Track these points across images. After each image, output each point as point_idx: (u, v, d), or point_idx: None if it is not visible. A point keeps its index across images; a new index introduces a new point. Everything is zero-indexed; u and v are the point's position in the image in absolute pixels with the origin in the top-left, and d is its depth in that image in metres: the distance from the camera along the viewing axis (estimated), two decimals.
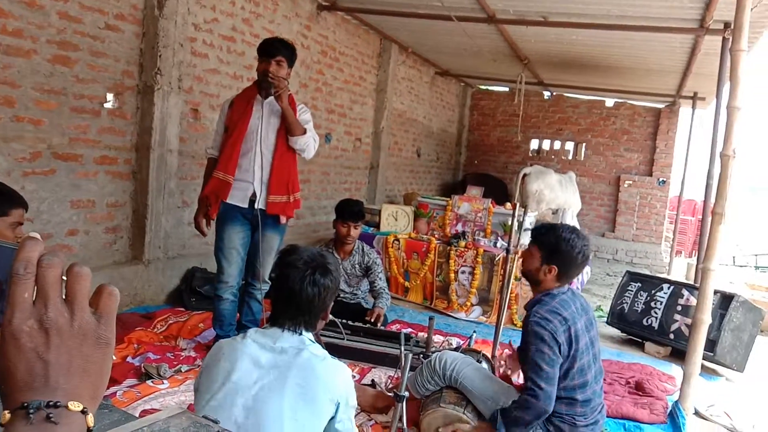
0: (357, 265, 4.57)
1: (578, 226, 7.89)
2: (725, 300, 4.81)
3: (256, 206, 3.64)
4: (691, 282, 6.06)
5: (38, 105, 3.89)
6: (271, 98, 3.58)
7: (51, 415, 0.55)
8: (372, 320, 4.27)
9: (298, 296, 1.88)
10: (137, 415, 1.63)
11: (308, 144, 3.70)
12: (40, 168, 3.97)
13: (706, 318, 3.58)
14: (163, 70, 4.60)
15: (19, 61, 3.72)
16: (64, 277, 0.59)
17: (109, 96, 4.39)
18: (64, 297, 0.59)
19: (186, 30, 4.82)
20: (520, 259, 2.96)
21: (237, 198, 3.64)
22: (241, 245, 3.73)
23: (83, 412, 0.57)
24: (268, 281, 3.67)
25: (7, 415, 0.55)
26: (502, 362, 3.36)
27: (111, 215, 4.57)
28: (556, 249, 2.72)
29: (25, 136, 3.84)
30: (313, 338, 1.95)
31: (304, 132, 3.66)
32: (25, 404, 0.55)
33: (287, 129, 3.62)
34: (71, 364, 0.58)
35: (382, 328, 4.28)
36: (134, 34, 4.52)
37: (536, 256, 2.78)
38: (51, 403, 0.55)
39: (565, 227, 2.80)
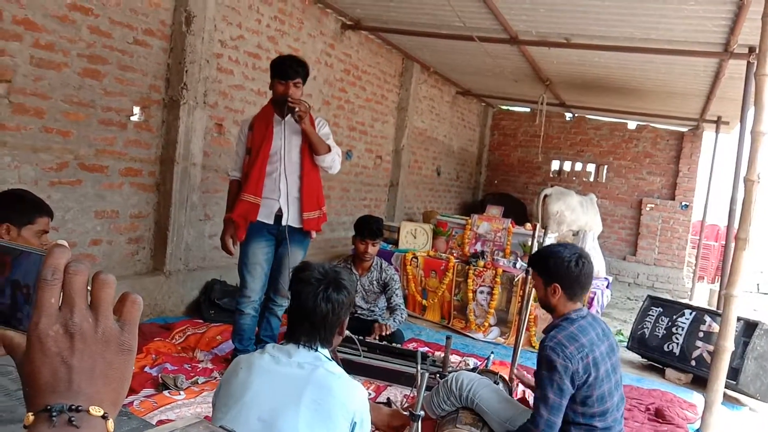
0: (375, 282, 4.57)
1: (598, 249, 7.82)
2: (749, 327, 4.71)
3: (283, 222, 3.69)
4: (714, 308, 5.96)
5: (67, 117, 3.97)
6: (289, 117, 3.62)
7: (73, 419, 0.56)
8: (376, 335, 4.22)
9: (312, 312, 1.88)
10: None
11: (334, 160, 3.76)
12: (67, 178, 4.04)
13: (729, 345, 3.51)
14: (189, 85, 4.68)
15: (50, 74, 3.81)
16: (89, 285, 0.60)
17: (136, 109, 4.47)
18: (89, 303, 0.60)
19: (212, 46, 4.91)
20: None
21: (263, 215, 3.69)
22: (265, 261, 3.77)
23: (104, 417, 0.58)
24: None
25: (31, 417, 0.56)
26: (516, 377, 3.34)
27: (134, 226, 4.63)
28: (546, 266, 2.70)
29: (53, 146, 3.92)
30: (329, 355, 1.95)
31: (329, 150, 3.71)
32: (48, 407, 0.56)
33: (312, 149, 3.67)
34: (94, 370, 0.59)
35: (399, 345, 4.26)
36: (162, 50, 4.61)
37: (538, 281, 2.76)
38: (73, 407, 0.56)
39: (551, 245, 2.78)
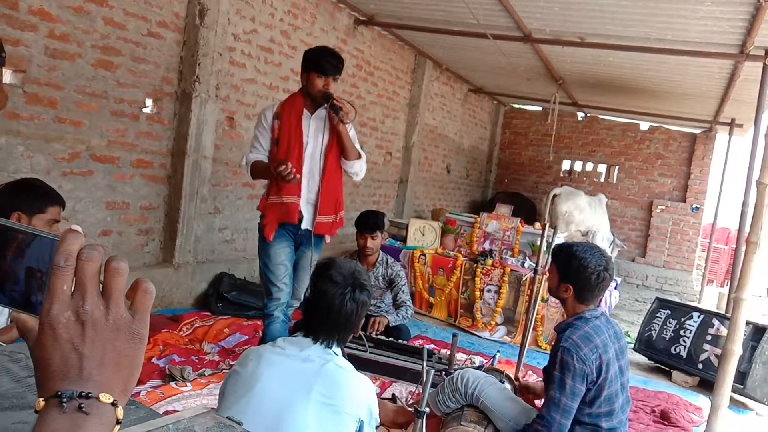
0: (381, 278, 4.58)
1: (608, 251, 7.74)
2: (758, 332, 4.68)
3: (303, 226, 3.48)
4: (723, 312, 5.92)
5: (79, 107, 3.99)
6: (319, 113, 3.43)
7: (83, 405, 0.56)
8: (370, 329, 4.21)
9: (337, 312, 1.90)
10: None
11: (362, 168, 3.55)
12: (78, 168, 4.07)
13: (737, 349, 3.49)
14: (202, 78, 4.69)
15: (64, 64, 3.83)
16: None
17: (148, 101, 4.49)
18: (100, 291, 0.60)
19: (226, 40, 4.92)
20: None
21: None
22: (287, 260, 3.52)
23: (113, 404, 0.58)
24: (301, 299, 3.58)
25: (42, 402, 0.57)
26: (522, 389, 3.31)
27: (144, 218, 4.65)
28: (568, 267, 2.66)
29: (66, 137, 3.95)
30: (339, 351, 1.96)
31: (359, 156, 3.51)
32: (59, 393, 0.56)
33: (343, 152, 3.45)
34: (104, 357, 0.59)
35: (405, 342, 4.27)
36: (175, 42, 4.63)
37: (554, 274, 2.74)
38: (83, 394, 0.57)
39: (582, 245, 2.73)
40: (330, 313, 1.90)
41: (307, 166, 3.42)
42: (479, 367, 3.58)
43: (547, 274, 2.85)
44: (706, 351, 4.89)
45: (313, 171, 3.44)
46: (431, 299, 6.09)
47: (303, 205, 3.45)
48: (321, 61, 3.39)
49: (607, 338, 2.60)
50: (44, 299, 0.58)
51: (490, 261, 5.90)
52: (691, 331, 5.07)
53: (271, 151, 3.43)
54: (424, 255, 6.13)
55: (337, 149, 3.45)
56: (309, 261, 3.53)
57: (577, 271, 2.62)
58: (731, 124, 9.07)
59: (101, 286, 0.60)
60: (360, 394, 1.85)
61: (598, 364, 2.51)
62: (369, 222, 4.45)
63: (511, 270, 5.74)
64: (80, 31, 3.89)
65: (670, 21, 5.20)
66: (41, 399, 0.57)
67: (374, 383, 3.79)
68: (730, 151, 9.25)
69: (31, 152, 3.74)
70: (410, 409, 3.24)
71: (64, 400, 0.56)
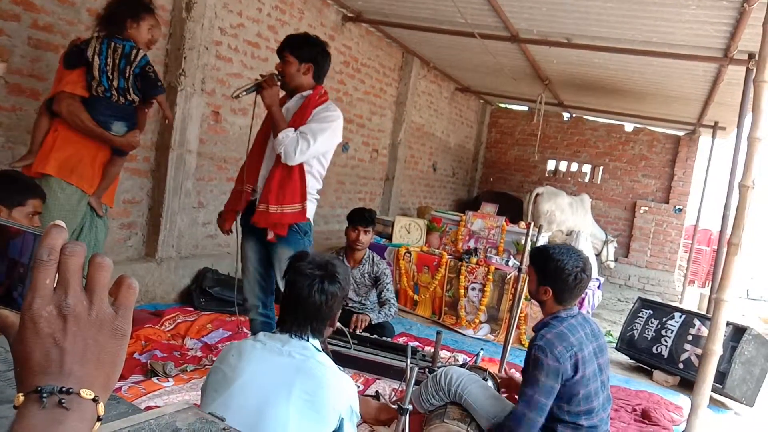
0: (366, 275, 4.58)
1: (591, 251, 7.79)
2: (737, 332, 4.75)
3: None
4: (704, 312, 5.99)
5: None
6: (294, 100, 3.28)
7: (63, 401, 0.55)
8: (353, 327, 4.21)
9: (305, 303, 1.91)
10: None
11: (283, 143, 3.00)
12: None
13: (717, 349, 3.53)
14: (187, 72, 4.65)
15: (48, 56, 3.78)
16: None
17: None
18: (84, 286, 0.59)
19: (212, 33, 4.88)
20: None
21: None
22: (257, 260, 3.27)
23: (95, 400, 0.58)
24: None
25: (21, 397, 0.56)
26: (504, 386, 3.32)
27: (127, 212, 4.61)
28: (545, 268, 2.69)
29: None
30: (320, 346, 1.96)
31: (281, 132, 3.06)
32: (39, 388, 0.56)
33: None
34: (86, 353, 0.58)
35: (389, 339, 4.27)
36: (161, 35, 4.58)
37: (533, 277, 2.77)
38: (64, 389, 0.56)
39: (558, 248, 2.74)
40: (299, 304, 1.91)
41: (267, 153, 3.20)
42: (463, 365, 3.59)
43: (527, 276, 2.87)
44: (687, 351, 4.95)
45: (270, 157, 3.18)
46: (416, 297, 6.10)
47: (259, 194, 3.18)
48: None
49: (582, 336, 2.62)
50: (26, 293, 0.58)
51: (474, 259, 5.92)
52: (672, 331, 5.12)
53: None
54: (410, 252, 6.14)
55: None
56: (281, 257, 3.10)
57: (554, 274, 2.65)
58: (714, 127, 9.17)
59: (84, 281, 0.59)
60: (341, 391, 1.85)
61: (573, 361, 2.54)
62: (365, 215, 4.48)
63: (496, 268, 5.77)
64: (64, 22, 3.84)
65: (655, 23, 5.24)
66: (20, 394, 0.56)
67: (357, 380, 3.80)
68: (713, 153, 9.35)
69: (12, 143, 3.68)
70: (393, 407, 3.24)
71: (44, 395, 0.55)
